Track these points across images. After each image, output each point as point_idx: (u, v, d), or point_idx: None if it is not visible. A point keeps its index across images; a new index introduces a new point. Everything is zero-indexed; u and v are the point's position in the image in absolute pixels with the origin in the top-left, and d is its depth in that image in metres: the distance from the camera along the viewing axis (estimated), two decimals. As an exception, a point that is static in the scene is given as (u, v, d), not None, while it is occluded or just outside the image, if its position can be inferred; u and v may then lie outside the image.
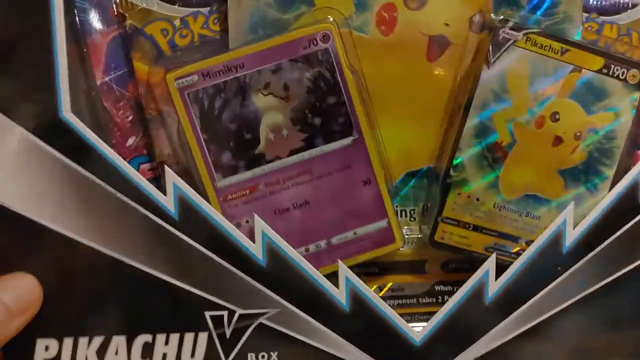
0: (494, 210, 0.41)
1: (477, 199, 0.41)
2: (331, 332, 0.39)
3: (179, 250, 0.38)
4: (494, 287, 0.39)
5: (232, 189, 0.39)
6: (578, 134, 0.41)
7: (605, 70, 0.40)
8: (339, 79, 0.39)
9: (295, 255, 0.38)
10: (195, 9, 0.40)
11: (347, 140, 0.39)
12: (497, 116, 0.40)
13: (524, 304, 0.40)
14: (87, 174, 0.36)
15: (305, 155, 0.39)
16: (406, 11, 0.40)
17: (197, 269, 0.38)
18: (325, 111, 0.39)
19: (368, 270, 0.43)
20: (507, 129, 0.40)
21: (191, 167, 0.39)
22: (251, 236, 0.38)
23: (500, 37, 0.39)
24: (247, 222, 0.39)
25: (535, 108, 0.40)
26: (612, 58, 0.40)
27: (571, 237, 0.39)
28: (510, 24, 0.39)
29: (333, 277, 0.39)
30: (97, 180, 0.37)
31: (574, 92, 0.40)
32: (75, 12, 0.40)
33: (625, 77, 0.40)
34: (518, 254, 0.41)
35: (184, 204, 0.37)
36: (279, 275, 0.38)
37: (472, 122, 0.40)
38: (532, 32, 0.39)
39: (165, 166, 0.37)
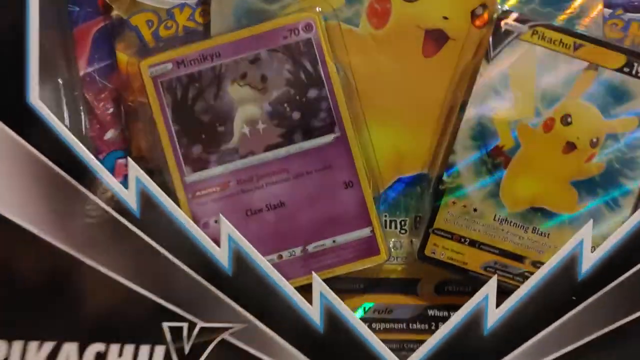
0: (495, 224, 0.36)
1: (475, 210, 0.36)
2: (302, 355, 0.34)
3: (139, 250, 0.35)
4: (494, 316, 0.34)
5: (201, 185, 0.36)
6: (594, 140, 0.35)
7: (627, 69, 0.35)
8: (322, 71, 0.36)
9: (265, 264, 0.35)
10: (182, 1, 0.39)
11: (328, 138, 0.36)
12: (498, 117, 0.36)
13: (528, 339, 0.34)
14: (48, 162, 0.35)
15: (281, 152, 0.36)
16: (401, 2, 0.37)
17: (157, 273, 0.35)
18: (305, 105, 0.36)
19: (351, 287, 0.38)
20: (510, 132, 0.36)
21: (160, 160, 0.37)
22: (218, 239, 0.35)
23: (503, 30, 0.35)
24: (215, 222, 0.36)
25: (543, 109, 0.35)
26: (636, 55, 0.35)
27: (588, 262, 0.34)
28: (515, 15, 0.35)
29: (308, 291, 0.35)
30: (57, 169, 0.35)
31: (589, 93, 0.35)
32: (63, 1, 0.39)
33: (652, 78, 0.35)
34: (523, 276, 0.35)
35: (146, 200, 0.35)
36: (246, 286, 0.35)
37: (469, 122, 0.36)
38: (540, 25, 0.35)
39: (129, 158, 0.35)
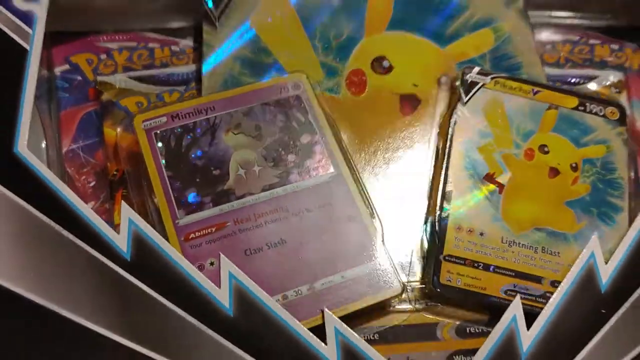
0: (504, 246, 0.35)
1: (481, 234, 0.35)
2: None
3: (129, 297, 0.31)
4: (527, 339, 0.31)
5: (195, 227, 0.34)
6: (574, 165, 0.38)
7: (581, 108, 0.40)
8: (312, 119, 0.38)
9: (270, 301, 0.31)
10: (172, 87, 0.42)
11: (325, 177, 0.36)
12: (482, 149, 0.38)
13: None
14: (33, 209, 0.32)
15: (279, 191, 0.35)
16: (374, 75, 0.42)
17: (149, 322, 0.30)
18: (300, 149, 0.37)
19: (364, 338, 0.34)
20: (497, 161, 0.37)
21: (151, 211, 0.35)
22: (217, 280, 0.32)
23: (469, 81, 0.40)
24: (211, 264, 0.33)
25: (520, 141, 0.38)
26: (585, 97, 0.40)
27: (606, 273, 0.33)
28: (477, 69, 0.40)
29: (319, 332, 0.31)
30: (42, 216, 0.32)
31: (556, 128, 0.39)
32: (55, 88, 0.41)
33: (604, 114, 0.40)
34: (545, 297, 0.34)
35: (138, 242, 0.32)
36: (251, 328, 0.31)
37: (457, 155, 0.37)
38: (500, 76, 0.40)
39: (122, 201, 0.33)
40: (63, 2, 0.42)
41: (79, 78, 0.42)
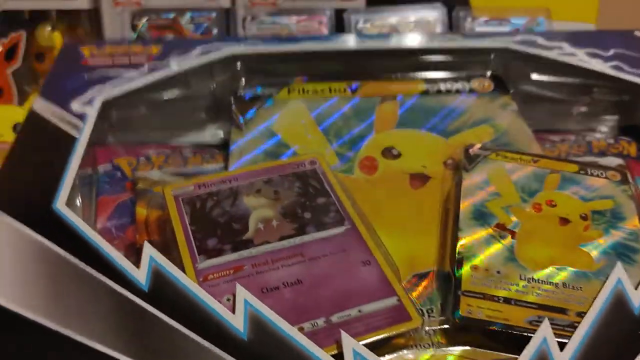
0: (523, 282, 0.35)
1: (498, 272, 0.35)
2: None
3: (145, 323, 0.31)
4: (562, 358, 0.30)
5: (213, 269, 0.35)
6: (583, 215, 0.39)
7: (582, 172, 0.42)
8: (327, 186, 0.41)
9: (284, 324, 0.31)
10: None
11: (340, 229, 0.38)
12: (490, 204, 0.39)
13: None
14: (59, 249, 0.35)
15: (296, 240, 0.37)
16: (385, 160, 0.46)
17: (165, 346, 0.31)
18: (316, 208, 0.39)
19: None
20: (505, 213, 0.39)
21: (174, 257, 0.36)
22: (232, 310, 0.32)
23: (472, 154, 0.43)
24: (228, 299, 0.33)
25: (527, 198, 0.40)
26: (584, 164, 0.43)
27: (637, 298, 0.33)
28: (479, 145, 0.44)
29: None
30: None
31: (560, 187, 0.41)
32: (97, 180, 0.46)
33: (606, 177, 0.42)
34: (573, 326, 0.32)
35: (156, 274, 0.33)
36: (265, 351, 0.30)
37: (466, 209, 0.39)
38: (501, 149, 0.44)
39: (146, 242, 0.35)
40: (114, 116, 0.49)
41: (119, 175, 0.46)
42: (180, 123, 0.52)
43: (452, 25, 0.67)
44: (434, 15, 0.68)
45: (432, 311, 0.36)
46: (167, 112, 0.51)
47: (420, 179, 0.44)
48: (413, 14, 0.67)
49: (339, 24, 0.67)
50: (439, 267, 0.38)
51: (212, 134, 0.52)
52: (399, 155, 0.46)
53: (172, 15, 0.66)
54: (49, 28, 0.68)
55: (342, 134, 0.48)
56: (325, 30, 0.66)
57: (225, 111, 0.50)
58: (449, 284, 0.35)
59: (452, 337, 0.33)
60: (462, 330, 0.33)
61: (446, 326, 0.34)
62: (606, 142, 0.51)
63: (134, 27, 0.65)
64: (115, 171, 0.47)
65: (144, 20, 0.65)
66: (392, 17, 0.67)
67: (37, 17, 0.68)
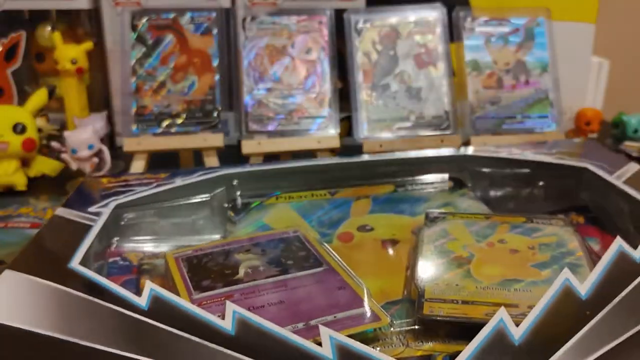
0: (478, 290, 0.39)
1: (457, 285, 0.40)
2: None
3: (144, 330, 0.36)
4: (517, 332, 0.34)
5: (207, 298, 0.40)
6: (530, 246, 0.45)
7: (530, 222, 0.49)
8: (308, 245, 0.47)
9: (268, 323, 0.36)
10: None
11: (318, 269, 0.44)
12: (449, 244, 0.46)
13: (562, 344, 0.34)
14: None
15: (280, 277, 0.43)
16: (360, 233, 0.53)
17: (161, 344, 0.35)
18: (297, 258, 0.45)
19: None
20: (462, 249, 0.45)
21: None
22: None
23: (432, 217, 0.50)
24: (218, 316, 0.38)
25: (481, 239, 0.46)
26: (531, 216, 0.50)
27: (584, 289, 0.37)
28: (438, 210, 0.51)
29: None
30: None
31: (511, 231, 0.47)
32: (107, 266, 0.52)
33: (551, 223, 0.48)
34: (524, 315, 0.37)
35: (155, 298, 0.38)
36: (250, 341, 0.35)
37: (427, 247, 0.45)
38: (457, 213, 0.51)
39: (147, 281, 0.41)
40: (124, 217, 0.57)
41: (127, 263, 0.53)
42: (181, 227, 0.59)
43: (452, 25, 0.68)
44: (433, 15, 0.69)
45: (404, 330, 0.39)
46: (170, 216, 0.59)
47: (390, 242, 0.50)
48: (413, 14, 0.69)
49: (339, 24, 0.68)
50: (406, 296, 0.42)
51: (209, 238, 0.58)
52: (372, 229, 0.53)
53: (172, 15, 0.67)
54: (49, 28, 0.69)
55: (322, 220, 0.55)
56: (325, 31, 0.68)
57: (222, 216, 0.58)
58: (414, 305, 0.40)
59: (419, 337, 0.37)
60: (427, 330, 0.37)
61: (414, 327, 0.37)
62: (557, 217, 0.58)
63: (134, 27, 0.67)
64: (124, 261, 0.53)
65: (144, 20, 0.67)
66: (392, 17, 0.69)
67: (37, 17, 0.68)
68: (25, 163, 0.71)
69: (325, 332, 0.33)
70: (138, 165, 0.70)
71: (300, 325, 0.36)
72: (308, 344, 0.33)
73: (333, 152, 0.72)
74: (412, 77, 0.72)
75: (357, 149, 0.72)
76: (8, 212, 0.65)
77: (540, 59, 0.73)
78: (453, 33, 0.73)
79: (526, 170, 0.61)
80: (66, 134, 0.70)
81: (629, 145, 0.76)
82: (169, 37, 0.69)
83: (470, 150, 0.63)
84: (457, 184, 0.61)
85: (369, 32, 0.70)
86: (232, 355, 0.33)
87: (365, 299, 0.39)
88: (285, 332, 0.34)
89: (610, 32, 0.81)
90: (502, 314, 0.34)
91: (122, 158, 0.77)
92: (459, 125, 0.71)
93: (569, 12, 0.74)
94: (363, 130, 0.70)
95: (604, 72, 0.84)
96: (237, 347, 0.33)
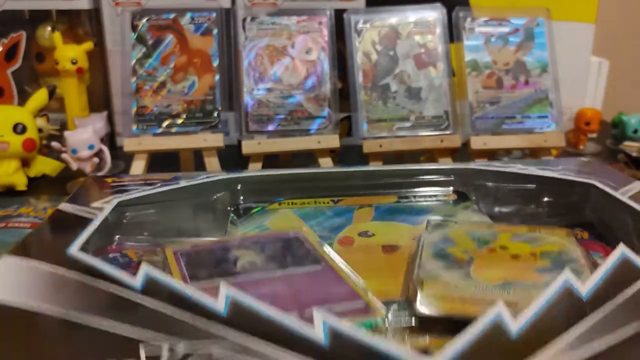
0: (477, 291, 0.39)
1: (456, 286, 0.40)
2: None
3: (138, 307, 0.36)
4: (516, 325, 0.34)
5: (202, 290, 0.40)
6: (532, 253, 0.45)
7: (532, 232, 0.49)
8: (307, 245, 0.47)
9: (261, 304, 0.35)
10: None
11: (316, 267, 0.44)
12: (449, 249, 0.45)
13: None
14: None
15: (277, 273, 0.43)
16: (360, 238, 0.52)
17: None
18: (296, 255, 0.45)
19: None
20: (463, 253, 0.45)
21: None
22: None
23: (433, 224, 0.50)
24: (215, 307, 0.38)
25: (481, 245, 0.46)
26: (534, 227, 0.49)
27: (585, 290, 0.37)
28: (440, 218, 0.51)
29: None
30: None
31: (513, 239, 0.47)
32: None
33: (554, 234, 0.48)
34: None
35: (149, 279, 0.38)
36: (242, 322, 0.34)
37: (428, 252, 0.45)
38: (458, 221, 0.51)
39: (142, 262, 0.40)
40: (126, 215, 0.57)
41: (127, 260, 0.53)
42: (182, 228, 0.60)
43: (451, 25, 0.69)
44: (433, 15, 0.69)
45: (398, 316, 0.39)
46: (171, 215, 0.59)
47: (391, 247, 0.50)
48: (413, 14, 0.70)
49: (339, 24, 0.68)
50: (404, 295, 0.42)
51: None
52: (373, 235, 0.53)
53: (172, 15, 0.68)
54: (49, 28, 0.69)
55: (324, 225, 0.55)
56: (325, 31, 0.68)
57: (224, 219, 0.58)
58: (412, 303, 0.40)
59: (416, 334, 0.37)
60: (424, 327, 0.37)
61: (411, 325, 0.37)
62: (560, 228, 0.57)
63: (134, 27, 0.67)
64: (124, 257, 0.53)
65: (144, 20, 0.67)
66: (391, 17, 0.69)
67: (37, 17, 0.68)
68: (25, 163, 0.72)
69: (318, 318, 0.33)
70: (138, 165, 0.70)
71: (295, 314, 0.36)
72: (301, 325, 0.32)
73: (333, 152, 0.73)
74: (411, 77, 0.72)
75: (357, 149, 0.72)
76: (8, 212, 0.65)
77: (540, 59, 0.73)
78: (453, 33, 0.73)
79: (531, 185, 0.60)
80: (66, 134, 0.70)
81: (628, 145, 0.76)
82: (169, 38, 0.70)
83: (475, 164, 0.63)
84: (461, 197, 0.61)
85: (369, 32, 0.71)
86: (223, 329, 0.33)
87: (362, 294, 0.39)
88: (279, 314, 0.33)
89: (610, 32, 0.81)
90: (499, 307, 0.34)
91: (122, 158, 0.77)
92: (459, 126, 0.71)
93: (568, 12, 0.75)
94: (363, 130, 0.70)
95: (603, 72, 0.84)
96: (228, 324, 0.33)
